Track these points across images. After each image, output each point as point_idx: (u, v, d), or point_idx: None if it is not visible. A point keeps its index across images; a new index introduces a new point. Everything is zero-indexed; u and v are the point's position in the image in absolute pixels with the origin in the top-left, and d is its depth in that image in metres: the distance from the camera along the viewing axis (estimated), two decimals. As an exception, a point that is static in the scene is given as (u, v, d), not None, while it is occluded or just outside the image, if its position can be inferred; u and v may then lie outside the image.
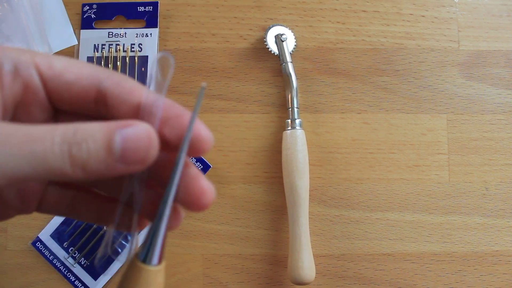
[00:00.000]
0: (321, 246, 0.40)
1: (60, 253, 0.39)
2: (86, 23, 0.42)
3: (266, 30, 0.41)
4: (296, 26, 0.42)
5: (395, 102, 0.42)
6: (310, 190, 0.40)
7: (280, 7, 0.43)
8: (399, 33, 0.43)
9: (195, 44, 0.42)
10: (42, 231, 0.40)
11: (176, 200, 0.19)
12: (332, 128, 0.41)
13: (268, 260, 0.40)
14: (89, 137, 0.17)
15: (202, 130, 0.19)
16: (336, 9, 0.43)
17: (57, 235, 0.40)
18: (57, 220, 0.40)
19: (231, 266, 0.40)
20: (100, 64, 0.41)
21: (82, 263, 0.39)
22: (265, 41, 0.41)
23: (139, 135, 0.17)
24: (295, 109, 0.39)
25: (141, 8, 0.42)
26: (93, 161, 0.17)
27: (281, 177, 0.40)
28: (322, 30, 0.42)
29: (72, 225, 0.40)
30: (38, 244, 0.40)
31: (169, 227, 0.20)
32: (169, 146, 0.19)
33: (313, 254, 0.38)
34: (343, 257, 0.40)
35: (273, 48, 0.41)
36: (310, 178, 0.39)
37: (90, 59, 0.41)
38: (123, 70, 0.41)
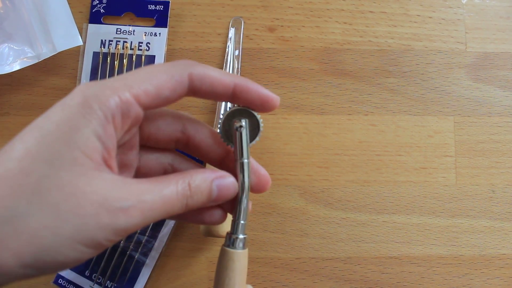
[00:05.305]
0: (327, 249, 0.40)
1: (85, 282, 0.38)
2: (94, 18, 0.41)
3: (223, 114, 0.26)
4: (303, 26, 0.42)
5: (402, 104, 0.42)
6: (317, 193, 0.40)
7: (286, 7, 0.42)
8: (406, 34, 0.42)
9: (200, 43, 0.42)
10: (60, 266, 0.39)
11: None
12: (339, 129, 0.41)
13: (274, 263, 0.40)
14: (198, 191, 0.24)
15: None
16: (343, 10, 0.42)
17: (76, 266, 0.38)
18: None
19: (236, 269, 0.39)
20: (106, 60, 0.40)
21: (109, 286, 0.38)
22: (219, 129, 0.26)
23: (228, 185, 0.25)
24: (241, 223, 0.27)
25: (152, 7, 0.41)
26: (197, 204, 0.24)
27: (287, 179, 0.39)
28: (328, 30, 0.42)
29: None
30: (60, 280, 0.38)
31: (258, 191, 0.27)
32: None
33: (319, 257, 0.37)
34: (349, 260, 0.40)
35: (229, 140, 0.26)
36: (317, 180, 0.38)
37: (96, 55, 0.40)
38: (129, 68, 0.40)
